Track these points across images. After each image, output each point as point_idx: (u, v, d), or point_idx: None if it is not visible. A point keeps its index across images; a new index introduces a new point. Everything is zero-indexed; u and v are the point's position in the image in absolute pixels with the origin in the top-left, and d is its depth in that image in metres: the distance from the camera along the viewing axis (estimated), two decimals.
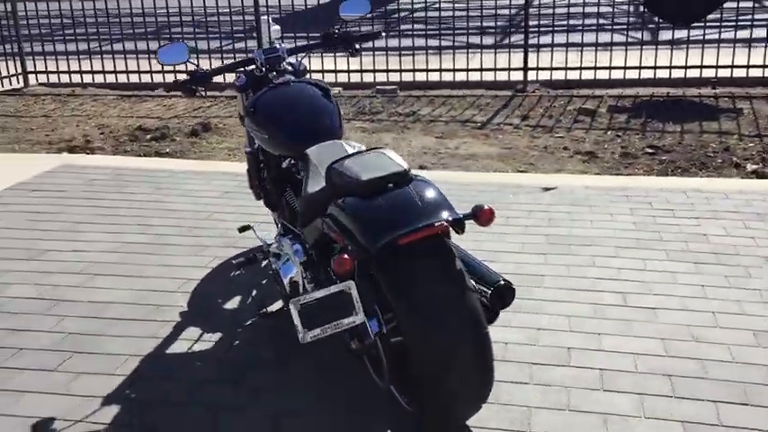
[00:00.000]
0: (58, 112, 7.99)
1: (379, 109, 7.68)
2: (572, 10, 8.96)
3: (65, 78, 9.23)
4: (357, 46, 3.50)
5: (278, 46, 3.31)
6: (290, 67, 3.36)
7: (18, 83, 9.34)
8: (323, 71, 8.63)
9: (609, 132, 6.67)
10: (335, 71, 8.73)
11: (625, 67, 8.23)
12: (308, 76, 3.51)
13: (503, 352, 2.95)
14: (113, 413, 2.61)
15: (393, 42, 8.89)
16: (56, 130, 7.19)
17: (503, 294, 2.41)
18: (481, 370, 2.25)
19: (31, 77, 9.42)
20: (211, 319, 3.27)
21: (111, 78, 9.04)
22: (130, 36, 8.98)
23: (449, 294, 2.19)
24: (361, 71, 8.61)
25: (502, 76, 8.50)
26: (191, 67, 3.19)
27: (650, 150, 6.14)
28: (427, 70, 8.64)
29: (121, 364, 2.92)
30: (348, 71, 8.71)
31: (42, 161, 5.82)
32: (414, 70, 8.58)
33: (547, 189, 4.93)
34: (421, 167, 5.80)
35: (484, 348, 2.23)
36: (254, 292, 3.51)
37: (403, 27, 9.74)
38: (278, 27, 9.64)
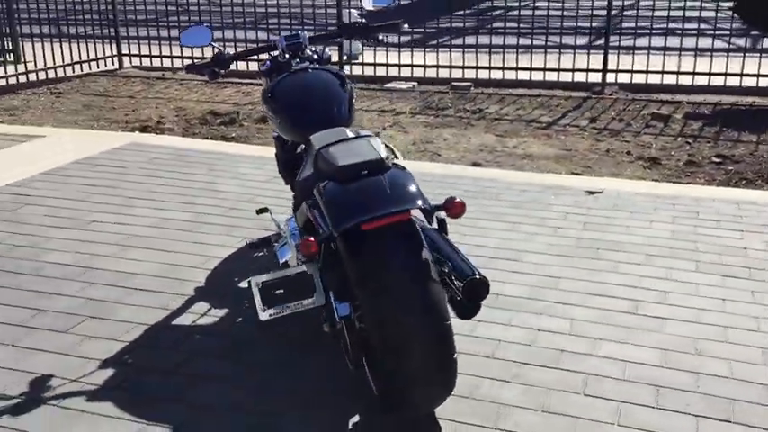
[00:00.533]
0: (142, 93, 8.36)
1: (447, 105, 7.69)
2: (656, 13, 8.69)
3: (156, 62, 9.64)
4: (380, 36, 3.54)
5: (300, 33, 3.38)
6: (314, 55, 3.43)
7: (113, 64, 9.81)
8: (399, 65, 8.70)
9: (678, 139, 6.47)
10: (411, 65, 8.77)
11: (710, 74, 7.95)
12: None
13: (493, 349, 2.95)
14: (107, 376, 2.76)
15: (470, 40, 8.88)
16: (136, 110, 7.54)
17: (475, 288, 2.41)
18: (438, 360, 2.26)
19: (126, 60, 9.88)
20: (224, 297, 3.39)
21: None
22: (224, 25, 9.29)
23: (409, 282, 2.22)
24: (437, 67, 8.62)
25: (580, 78, 8.36)
26: (214, 51, 3.30)
27: (717, 160, 5.92)
28: (503, 68, 8.58)
29: (127, 332, 3.07)
30: (424, 66, 8.74)
31: (114, 138, 6.12)
32: (489, 68, 8.53)
33: (592, 192, 4.84)
34: (474, 164, 5.80)
35: (442, 338, 2.24)
36: None
37: (483, 25, 9.68)
38: (363, 20, 9.81)
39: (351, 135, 2.74)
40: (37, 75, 8.76)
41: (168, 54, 9.56)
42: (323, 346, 2.85)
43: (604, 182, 5.18)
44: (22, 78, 8.62)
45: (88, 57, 9.34)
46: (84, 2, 9.70)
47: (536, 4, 9.21)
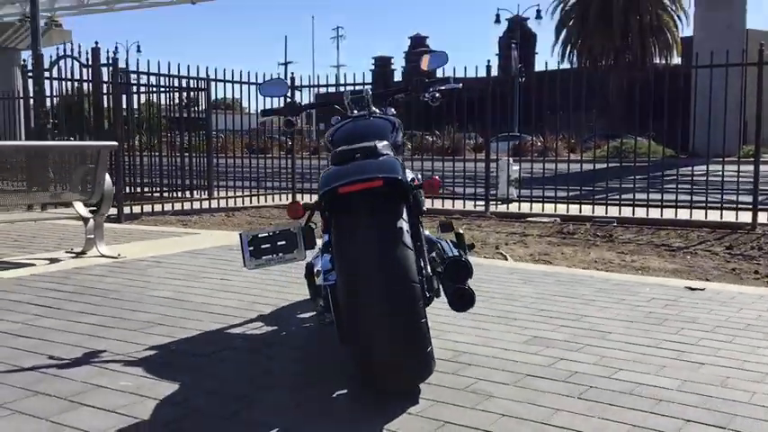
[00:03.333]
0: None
1: (580, 232, 7.76)
2: None
3: None
4: (438, 94, 3.86)
5: (364, 89, 3.79)
6: (377, 111, 3.81)
7: (287, 199, 10.84)
8: (543, 200, 8.93)
9: None
10: (555, 201, 8.98)
11: None
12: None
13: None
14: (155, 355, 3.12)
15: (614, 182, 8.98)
16: None
17: (456, 269, 2.58)
18: (402, 318, 2.39)
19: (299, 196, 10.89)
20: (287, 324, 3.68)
21: None
22: None
23: (374, 240, 2.42)
24: (580, 203, 8.77)
25: (729, 217, 8.15)
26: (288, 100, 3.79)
27: None
28: (647, 205, 8.56)
29: (186, 331, 3.44)
30: (567, 201, 8.91)
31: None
32: (633, 204, 8.55)
33: (692, 289, 4.72)
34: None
35: (401, 295, 2.38)
36: None
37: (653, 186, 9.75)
38: (516, 167, 10.24)
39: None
40: (218, 202, 9.91)
41: None
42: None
43: (712, 285, 5.02)
44: (206, 204, 9.76)
45: (265, 191, 10.46)
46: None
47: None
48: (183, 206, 9.60)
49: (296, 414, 2.47)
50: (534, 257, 6.38)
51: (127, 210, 8.84)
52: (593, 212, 8.76)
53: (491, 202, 9.64)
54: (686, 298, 4.37)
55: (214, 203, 9.92)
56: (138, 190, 10.17)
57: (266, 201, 10.57)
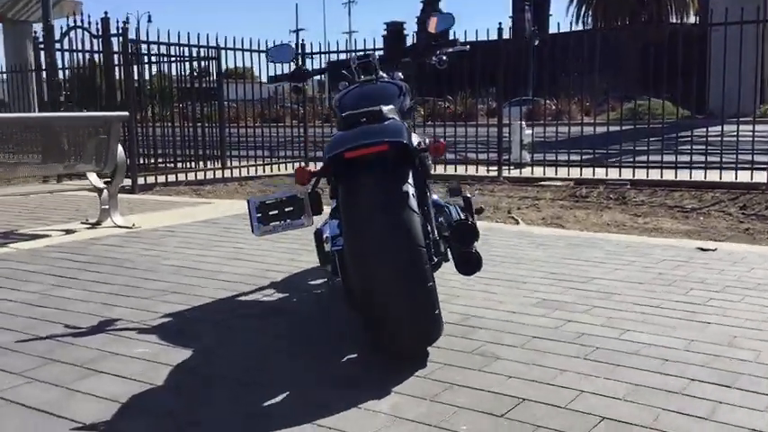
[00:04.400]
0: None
1: (592, 195, 7.74)
2: None
3: None
4: (445, 57, 3.84)
5: (371, 54, 3.78)
6: (385, 76, 3.80)
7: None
8: (556, 164, 8.90)
9: None
10: (568, 165, 8.94)
11: None
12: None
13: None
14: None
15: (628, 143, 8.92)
16: None
17: (462, 232, 2.60)
18: (411, 283, 2.42)
19: (312, 164, 10.92)
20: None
21: None
22: None
23: (379, 203, 2.44)
24: (593, 166, 8.73)
25: (744, 177, 8.10)
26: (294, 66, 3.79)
27: None
28: (662, 166, 8.52)
29: (199, 298, 3.50)
30: (580, 165, 8.88)
31: None
32: (647, 166, 8.51)
33: (704, 250, 4.72)
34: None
35: (414, 260, 2.41)
36: None
37: (669, 148, 9.68)
38: (529, 131, 10.20)
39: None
40: (231, 172, 9.94)
41: None
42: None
43: (724, 245, 5.00)
44: (219, 174, 9.79)
45: (278, 160, 10.47)
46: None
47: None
48: (196, 176, 9.66)
49: (306, 378, 2.51)
50: (546, 221, 6.38)
51: (141, 180, 8.91)
52: (606, 175, 8.73)
53: (504, 167, 9.62)
54: (697, 258, 4.38)
55: (227, 173, 9.96)
56: (152, 161, 10.21)
57: (279, 169, 10.60)
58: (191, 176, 9.60)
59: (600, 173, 8.77)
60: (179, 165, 10.38)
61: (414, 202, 2.49)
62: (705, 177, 8.25)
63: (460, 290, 3.62)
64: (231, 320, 3.21)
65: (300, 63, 3.75)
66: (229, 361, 2.69)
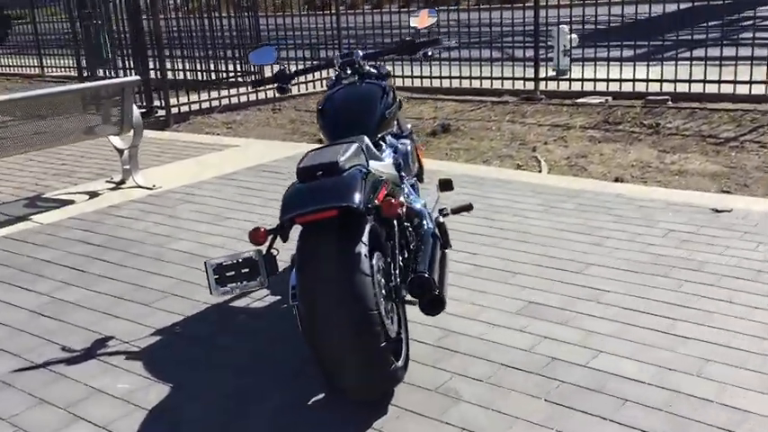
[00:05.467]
0: None
1: (626, 120, 7.50)
2: None
3: (408, 83, 10.23)
4: (430, 53, 3.74)
5: (354, 51, 3.69)
6: (374, 70, 3.73)
7: None
8: (595, 80, 8.58)
9: None
10: (607, 80, 8.60)
11: None
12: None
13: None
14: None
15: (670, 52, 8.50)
16: None
17: (418, 287, 2.63)
18: (356, 348, 2.47)
19: None
20: None
21: (410, 82, 10.02)
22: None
23: (329, 271, 2.46)
24: (633, 81, 8.39)
25: None
26: (281, 68, 3.73)
27: None
28: (704, 81, 8.14)
29: (205, 304, 3.63)
30: (620, 80, 8.53)
31: (291, 149, 6.82)
32: (689, 81, 8.14)
33: (718, 211, 4.59)
34: (616, 180, 5.69)
35: (358, 326, 2.44)
36: None
37: (727, 36, 9.15)
38: (575, 36, 9.80)
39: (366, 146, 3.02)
40: (265, 93, 9.84)
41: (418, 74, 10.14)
42: None
43: (743, 201, 4.85)
44: (253, 97, 9.71)
45: (313, 77, 10.27)
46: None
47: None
48: (230, 100, 9.46)
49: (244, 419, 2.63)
50: (570, 162, 6.25)
51: (175, 110, 8.94)
52: (646, 89, 8.38)
53: (541, 74, 9.22)
54: (706, 228, 4.28)
55: (261, 95, 9.83)
56: (182, 76, 9.99)
57: (314, 87, 10.42)
58: (223, 97, 9.47)
59: (640, 87, 8.41)
60: (212, 75, 10.15)
61: (365, 264, 2.49)
62: (750, 91, 7.85)
63: (454, 287, 3.64)
64: (220, 337, 3.33)
65: (281, 64, 3.66)
66: (212, 395, 2.82)
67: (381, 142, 3.50)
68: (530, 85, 9.22)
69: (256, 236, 2.56)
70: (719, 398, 2.65)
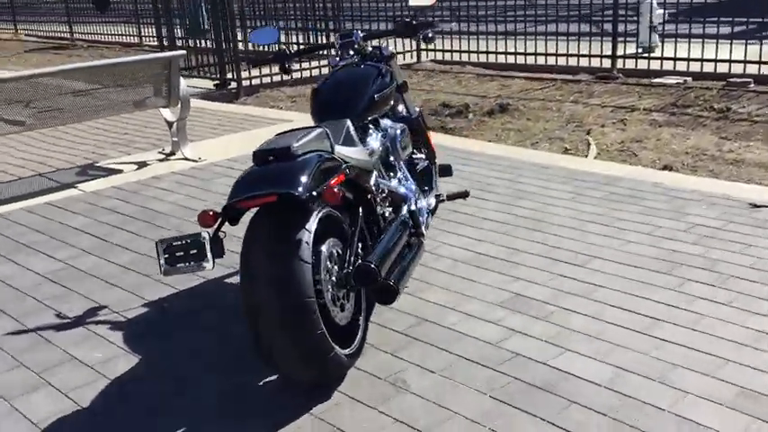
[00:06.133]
0: (411, 85, 9.02)
1: (697, 103, 7.13)
2: None
3: (456, 57, 10.16)
4: (431, 35, 3.67)
5: (354, 32, 3.66)
6: (377, 51, 3.70)
7: (412, 58, 10.66)
8: (675, 59, 8.17)
9: None
10: (688, 59, 8.17)
11: None
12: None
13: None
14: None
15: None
16: None
17: (361, 276, 2.61)
18: (292, 337, 2.47)
19: (424, 54, 10.65)
20: None
21: (485, 58, 9.86)
22: (515, 19, 9.59)
23: (265, 256, 2.47)
24: (715, 61, 7.95)
25: None
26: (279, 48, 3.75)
27: None
28: None
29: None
30: (701, 60, 8.09)
31: None
32: None
33: (756, 206, 4.33)
34: (665, 167, 5.44)
35: (291, 312, 2.45)
36: None
37: None
38: (661, 11, 9.36)
39: (348, 129, 3.05)
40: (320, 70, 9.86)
41: (458, 48, 10.08)
42: None
43: None
44: (325, 71, 9.78)
45: (393, 50, 10.24)
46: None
47: None
48: (301, 74, 9.53)
49: (198, 409, 2.69)
50: (623, 146, 6.01)
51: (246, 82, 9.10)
52: (729, 70, 7.92)
53: (620, 52, 8.86)
54: (736, 224, 4.05)
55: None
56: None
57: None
58: (295, 71, 9.54)
59: (723, 67, 7.96)
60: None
61: (305, 251, 2.49)
62: None
63: (444, 273, 3.60)
64: (203, 313, 3.41)
65: (281, 45, 3.70)
66: (159, 381, 2.91)
67: (372, 125, 3.48)
68: (607, 63, 8.88)
69: (205, 218, 2.60)
70: (674, 407, 2.52)
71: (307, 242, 2.53)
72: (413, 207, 3.19)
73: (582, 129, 6.55)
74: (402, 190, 3.41)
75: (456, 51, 10.14)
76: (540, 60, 9.32)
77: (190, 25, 10.53)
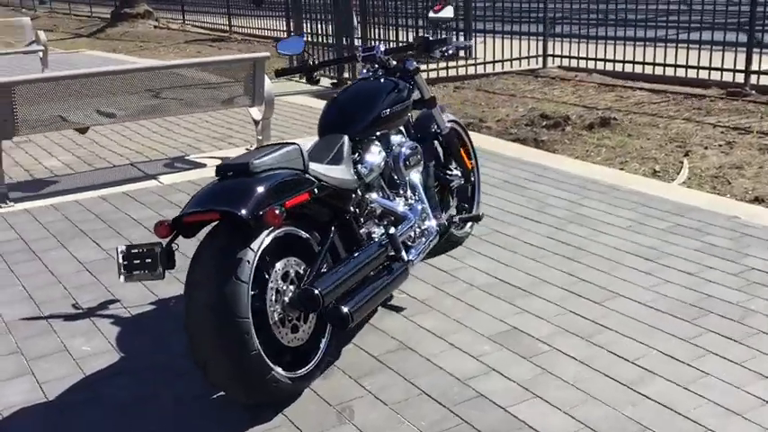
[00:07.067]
0: (527, 92, 8.78)
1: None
2: None
3: (583, 63, 9.77)
4: (451, 51, 3.54)
5: (375, 46, 3.59)
6: (401, 65, 3.62)
7: (537, 63, 10.34)
8: (734, 70, 7.43)
9: None
10: (746, 71, 7.38)
11: None
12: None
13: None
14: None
15: None
16: (490, 107, 8.04)
17: (299, 298, 2.57)
18: (222, 356, 2.45)
19: (550, 60, 10.31)
20: None
21: (611, 66, 9.41)
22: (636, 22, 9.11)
23: (203, 275, 2.47)
24: None
25: None
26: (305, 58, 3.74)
27: None
28: None
29: None
30: (759, 72, 7.28)
31: None
32: None
33: None
34: (756, 199, 4.97)
35: (225, 335, 2.43)
36: None
37: None
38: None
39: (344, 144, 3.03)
40: (456, 70, 9.76)
41: (586, 56, 9.68)
42: None
43: None
44: (443, 73, 9.68)
45: (519, 55, 9.96)
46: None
47: None
48: (447, 71, 9.45)
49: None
50: (719, 172, 5.53)
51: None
52: None
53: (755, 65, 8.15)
54: (748, 247, 3.65)
55: (452, 71, 9.73)
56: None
57: (511, 66, 10.11)
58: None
59: None
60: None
61: (243, 271, 2.47)
62: None
63: (452, 299, 3.48)
64: None
65: (306, 55, 3.69)
66: (131, 380, 2.99)
67: (379, 141, 3.40)
68: (740, 78, 8.22)
69: (160, 229, 2.63)
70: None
71: (248, 261, 2.50)
72: (391, 230, 3.08)
73: (682, 150, 6.10)
74: (400, 209, 3.31)
75: (582, 59, 9.75)
76: (669, 71, 8.76)
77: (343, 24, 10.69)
